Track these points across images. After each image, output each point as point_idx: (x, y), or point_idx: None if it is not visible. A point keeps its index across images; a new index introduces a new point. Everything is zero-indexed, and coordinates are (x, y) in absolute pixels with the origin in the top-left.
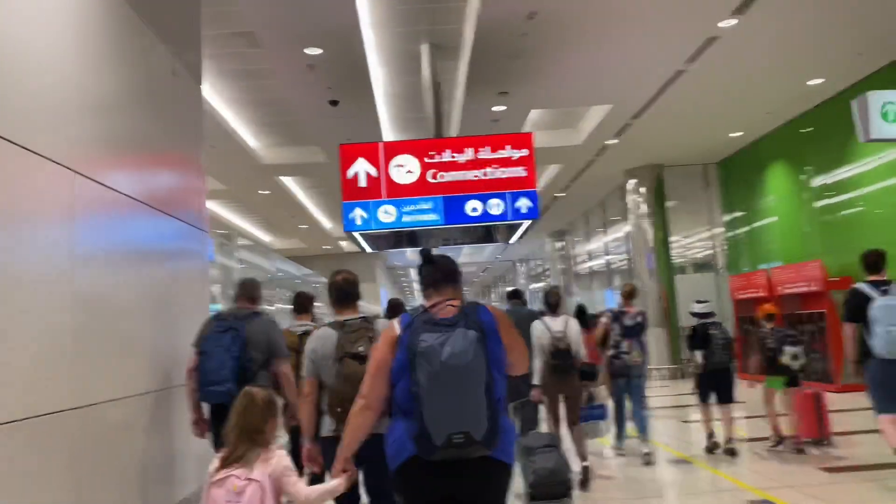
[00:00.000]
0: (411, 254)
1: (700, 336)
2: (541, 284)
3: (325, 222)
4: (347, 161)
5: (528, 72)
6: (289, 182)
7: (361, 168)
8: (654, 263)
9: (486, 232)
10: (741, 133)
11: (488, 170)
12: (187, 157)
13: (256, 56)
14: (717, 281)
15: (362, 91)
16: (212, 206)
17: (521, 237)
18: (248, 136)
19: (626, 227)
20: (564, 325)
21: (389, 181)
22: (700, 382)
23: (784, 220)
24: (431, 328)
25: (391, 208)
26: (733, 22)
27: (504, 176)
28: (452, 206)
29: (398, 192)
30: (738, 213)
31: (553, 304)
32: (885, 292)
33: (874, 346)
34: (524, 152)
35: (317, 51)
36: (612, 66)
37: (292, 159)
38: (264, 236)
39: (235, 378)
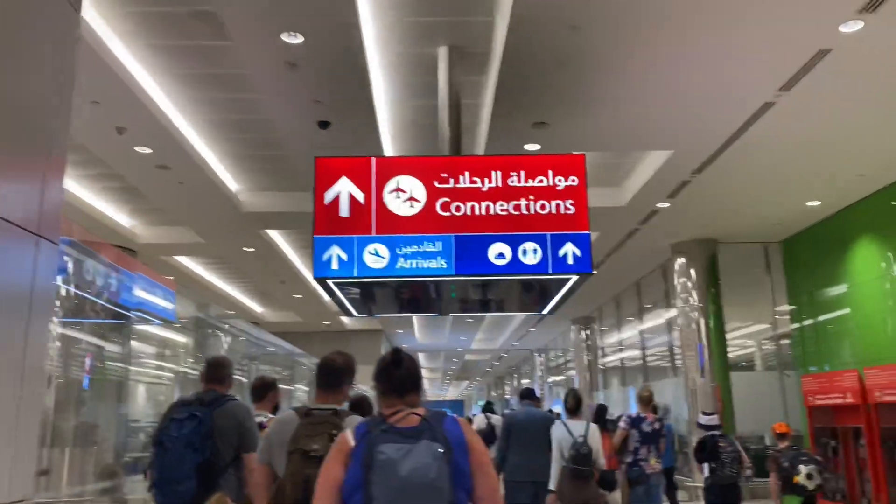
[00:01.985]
0: (422, 332)
1: (708, 448)
2: (560, 378)
3: (325, 294)
4: (326, 180)
5: (571, 100)
6: (276, 237)
7: (344, 190)
8: (705, 358)
9: (520, 291)
10: (818, 203)
11: (522, 202)
12: (29, 105)
13: (225, 52)
14: (782, 381)
15: (359, 103)
16: (191, 264)
17: (559, 305)
18: (223, 171)
19: (668, 314)
20: (585, 429)
21: (383, 211)
22: (708, 496)
23: (871, 310)
24: (391, 437)
25: (383, 249)
26: (858, 25)
27: (544, 212)
28: (469, 250)
29: (394, 227)
30: (809, 301)
31: (572, 407)
32: None
33: None
34: (573, 181)
35: (297, 38)
36: (682, 95)
37: (278, 207)
38: (256, 307)
39: (198, 475)
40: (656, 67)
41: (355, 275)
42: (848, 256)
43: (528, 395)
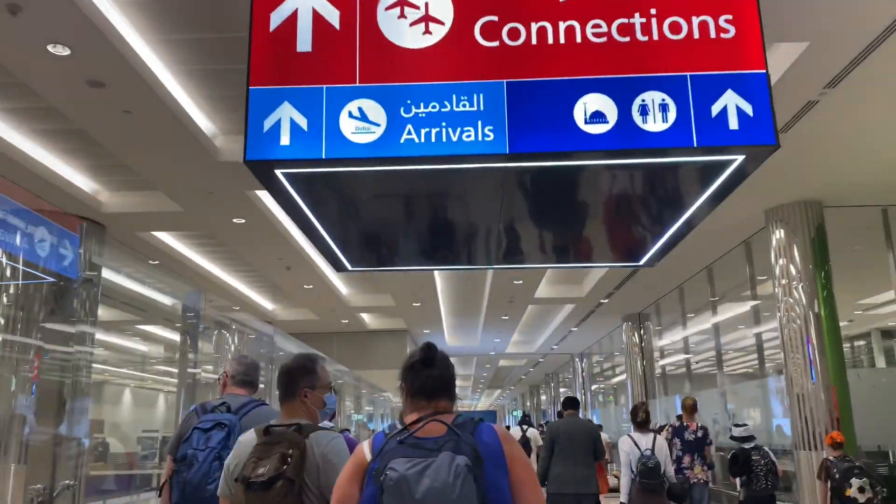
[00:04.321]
0: (453, 332)
1: (742, 461)
2: (601, 385)
3: (340, 285)
4: None
5: None
6: (270, 203)
7: (305, 5)
8: (814, 354)
9: (625, 199)
10: None
11: (637, 20)
12: None
13: None
14: None
15: None
16: (179, 246)
17: (679, 234)
18: (190, 104)
19: (752, 304)
20: (652, 442)
21: (375, 40)
22: None
23: None
24: (407, 451)
25: (374, 108)
26: None
27: (678, 35)
28: (536, 109)
29: (396, 70)
30: None
31: (642, 420)
32: None
33: None
34: None
35: None
36: None
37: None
38: (266, 303)
39: None
40: None
41: (323, 156)
42: None
43: (570, 404)
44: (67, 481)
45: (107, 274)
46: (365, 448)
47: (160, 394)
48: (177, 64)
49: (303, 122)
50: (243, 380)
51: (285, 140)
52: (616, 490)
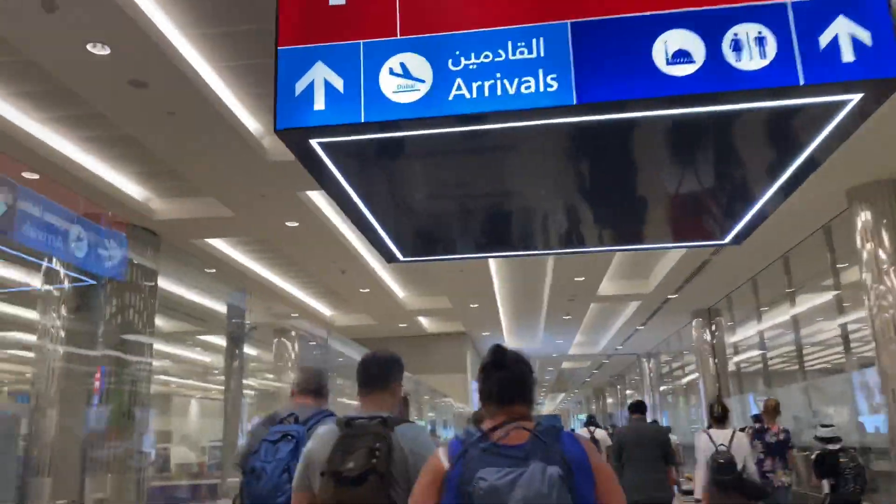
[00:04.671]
0: (513, 334)
1: (828, 464)
2: (669, 386)
3: (396, 288)
4: None
5: None
6: (321, 203)
7: None
8: None
9: (719, 151)
10: None
11: None
12: None
13: None
14: None
15: None
16: (232, 252)
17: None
18: (235, 103)
19: (834, 293)
20: (729, 438)
21: None
22: None
23: None
24: (493, 460)
25: (418, 62)
26: None
27: None
28: (609, 52)
29: (441, 20)
30: None
31: (718, 416)
32: None
33: None
34: None
35: None
36: None
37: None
38: (325, 309)
39: None
40: None
41: (362, 119)
42: None
43: (637, 408)
44: (99, 495)
45: (163, 283)
46: (441, 455)
47: (223, 404)
48: (218, 60)
49: (338, 82)
50: (308, 389)
51: (319, 104)
52: (687, 493)
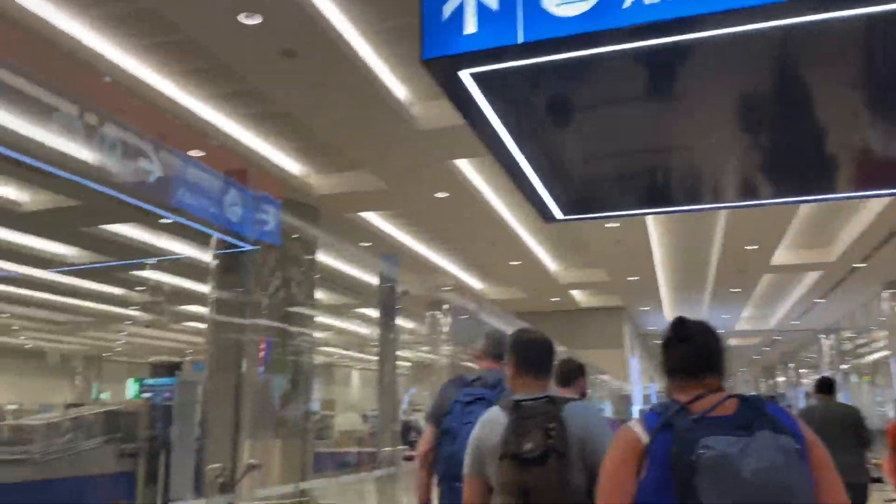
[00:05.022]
0: (674, 309)
1: None
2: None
3: (548, 260)
4: None
5: None
6: (470, 173)
7: None
8: None
9: None
10: None
11: None
12: None
13: None
14: None
15: None
16: (385, 226)
17: None
18: (383, 68)
19: None
20: None
21: None
22: None
23: None
24: (712, 429)
25: None
26: None
27: None
28: None
29: None
30: None
31: None
32: None
33: None
34: None
35: None
36: None
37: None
38: (475, 282)
39: None
40: None
41: (519, 40)
42: None
43: (826, 386)
44: (252, 461)
45: (322, 257)
46: (636, 429)
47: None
48: (365, 23)
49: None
50: (492, 353)
51: (470, 27)
52: (876, 480)
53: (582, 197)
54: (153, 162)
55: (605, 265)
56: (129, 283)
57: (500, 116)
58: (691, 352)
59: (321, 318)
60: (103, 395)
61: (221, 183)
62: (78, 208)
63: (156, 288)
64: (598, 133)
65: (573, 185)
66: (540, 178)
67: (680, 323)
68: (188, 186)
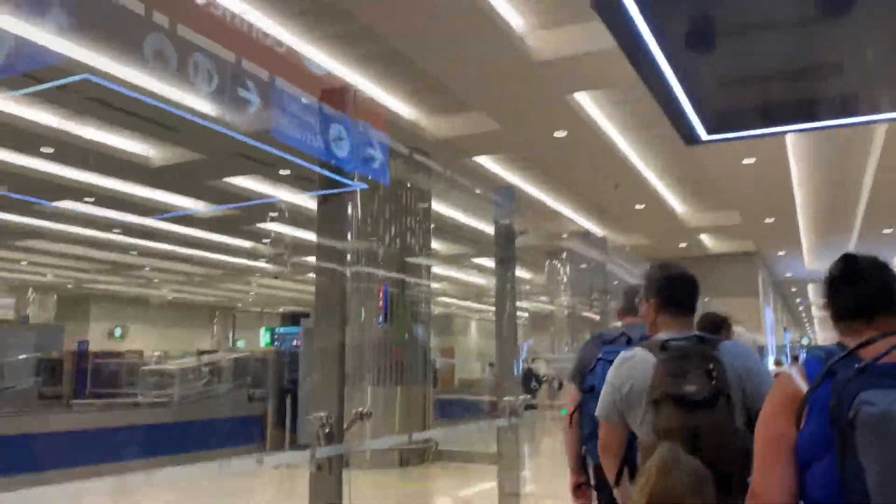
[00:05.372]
0: (815, 253)
1: None
2: None
3: (675, 203)
4: None
5: None
6: (591, 110)
7: None
8: None
9: None
10: None
11: None
12: None
13: None
14: None
15: None
16: (499, 170)
17: None
18: None
19: None
20: None
21: None
22: None
23: None
24: (877, 381)
25: None
26: None
27: None
28: None
29: None
30: None
31: None
32: None
33: None
34: None
35: None
36: None
37: (585, 46)
38: (595, 229)
39: None
40: None
41: None
42: None
43: None
44: (360, 409)
45: (436, 206)
46: (796, 377)
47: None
48: None
49: None
50: (630, 307)
51: None
52: None
53: (730, 111)
54: (252, 93)
55: (739, 206)
56: (257, 237)
57: (647, 18)
58: (863, 290)
59: (438, 270)
60: (239, 343)
61: (325, 116)
62: (201, 162)
63: (278, 240)
64: (757, 51)
65: (723, 97)
66: (687, 94)
67: (849, 259)
68: (291, 119)
